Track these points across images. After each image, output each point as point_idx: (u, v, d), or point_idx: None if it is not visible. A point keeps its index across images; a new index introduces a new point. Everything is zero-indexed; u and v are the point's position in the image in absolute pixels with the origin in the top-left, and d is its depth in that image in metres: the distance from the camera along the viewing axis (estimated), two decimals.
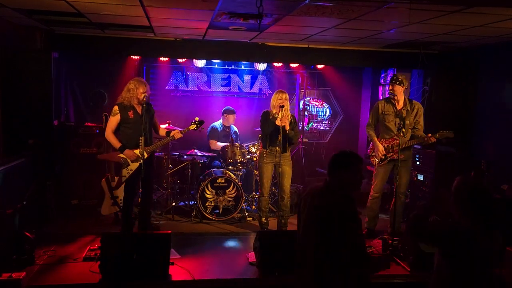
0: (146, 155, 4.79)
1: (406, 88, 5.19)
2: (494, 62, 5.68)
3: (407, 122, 4.91)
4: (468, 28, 4.63)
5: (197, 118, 5.13)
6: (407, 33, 5.10)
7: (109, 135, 4.81)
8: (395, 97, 5.04)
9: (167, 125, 6.00)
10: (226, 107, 6.98)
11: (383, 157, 5.06)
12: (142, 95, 4.76)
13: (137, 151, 4.79)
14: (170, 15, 4.54)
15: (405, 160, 4.99)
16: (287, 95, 5.24)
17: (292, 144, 5.35)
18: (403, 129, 4.85)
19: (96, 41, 5.91)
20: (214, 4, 3.87)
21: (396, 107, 5.08)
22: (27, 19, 4.97)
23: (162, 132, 5.12)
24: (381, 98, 7.42)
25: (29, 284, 3.78)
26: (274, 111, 5.16)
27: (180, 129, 5.24)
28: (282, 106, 5.07)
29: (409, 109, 5.04)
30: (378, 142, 5.11)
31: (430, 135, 4.89)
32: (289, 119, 5.21)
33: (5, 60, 5.01)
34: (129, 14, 4.50)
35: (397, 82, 5.01)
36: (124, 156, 4.81)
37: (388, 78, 7.28)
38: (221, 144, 6.70)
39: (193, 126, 5.09)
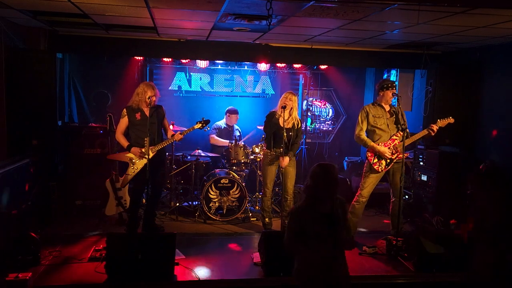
0: (151, 154, 4.82)
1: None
2: (498, 63, 5.68)
3: (402, 121, 5.01)
4: (472, 28, 4.64)
5: (203, 118, 5.18)
6: (410, 34, 5.11)
7: (118, 136, 5.00)
8: (388, 100, 5.08)
9: (172, 126, 6.01)
10: (229, 107, 7.00)
11: (389, 160, 5.03)
12: (149, 99, 4.86)
13: (144, 149, 4.86)
14: (175, 16, 4.55)
15: (400, 162, 4.97)
16: (292, 95, 5.19)
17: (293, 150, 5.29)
18: (407, 130, 4.88)
19: (100, 41, 5.94)
20: (220, 5, 3.88)
21: (385, 109, 5.09)
22: (32, 20, 4.98)
23: (170, 135, 5.15)
24: None
25: (35, 285, 3.79)
26: (279, 112, 5.17)
27: (185, 128, 5.27)
28: (284, 107, 5.06)
29: (396, 110, 5.10)
30: (379, 146, 4.99)
31: (432, 125, 4.98)
32: (296, 121, 5.22)
33: (10, 61, 5.02)
34: (134, 15, 4.51)
35: (394, 86, 5.08)
36: (130, 155, 4.91)
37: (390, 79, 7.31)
38: (220, 140, 6.71)
39: (199, 125, 5.13)
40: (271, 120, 5.22)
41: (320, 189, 3.00)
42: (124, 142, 4.95)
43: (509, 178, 2.59)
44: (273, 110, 5.32)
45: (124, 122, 4.95)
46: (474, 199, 2.75)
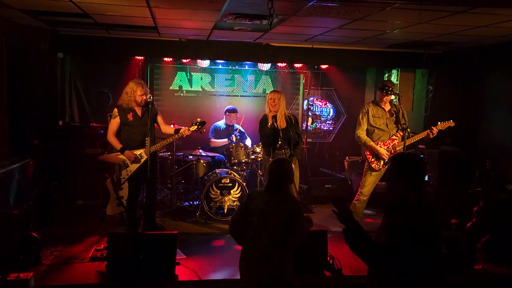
0: (145, 156, 4.77)
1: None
2: (499, 62, 5.68)
3: (402, 120, 5.05)
4: (473, 28, 4.64)
5: (198, 119, 5.05)
6: (411, 34, 5.10)
7: (110, 137, 4.85)
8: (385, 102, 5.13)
9: (172, 126, 6.00)
10: (228, 106, 7.00)
11: (387, 160, 5.02)
12: (140, 97, 4.74)
13: (136, 152, 4.80)
14: (176, 16, 4.55)
15: None
16: (275, 94, 5.12)
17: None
18: (408, 129, 4.89)
19: (100, 41, 5.95)
20: (221, 5, 3.88)
21: (385, 109, 5.13)
22: (33, 20, 4.99)
23: (170, 130, 5.02)
24: None
25: (36, 284, 3.78)
26: (270, 121, 5.07)
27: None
28: (274, 117, 5.03)
29: (396, 110, 5.14)
30: (378, 147, 5.02)
31: (432, 127, 5.05)
32: (288, 117, 5.13)
33: (11, 61, 5.02)
34: (135, 15, 4.51)
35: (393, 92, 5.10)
36: (123, 158, 4.81)
37: (391, 79, 7.32)
38: (219, 140, 6.71)
39: (194, 128, 4.98)
40: (264, 129, 5.13)
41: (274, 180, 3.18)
42: (117, 144, 4.80)
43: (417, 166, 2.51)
44: (265, 114, 5.24)
45: (115, 122, 4.80)
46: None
